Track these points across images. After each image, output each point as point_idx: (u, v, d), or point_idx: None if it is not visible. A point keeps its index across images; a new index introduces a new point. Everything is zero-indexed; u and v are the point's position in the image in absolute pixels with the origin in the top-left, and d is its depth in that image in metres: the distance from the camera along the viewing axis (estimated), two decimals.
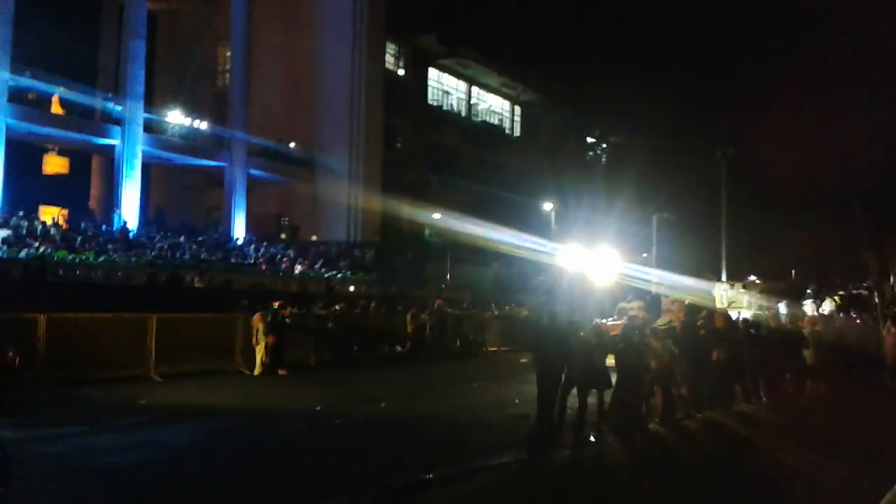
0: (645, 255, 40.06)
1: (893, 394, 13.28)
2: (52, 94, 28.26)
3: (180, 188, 39.57)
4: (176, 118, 32.88)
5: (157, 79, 39.77)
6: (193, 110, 34.77)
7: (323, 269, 31.51)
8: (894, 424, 11.71)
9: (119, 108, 29.66)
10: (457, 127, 48.08)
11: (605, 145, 53.74)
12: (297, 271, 30.32)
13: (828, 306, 25.06)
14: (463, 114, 49.50)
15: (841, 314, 22.57)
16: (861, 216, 44.62)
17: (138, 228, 28.98)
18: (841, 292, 30.46)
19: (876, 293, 16.82)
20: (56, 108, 28.61)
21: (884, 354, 14.10)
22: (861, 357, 14.73)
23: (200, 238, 30.41)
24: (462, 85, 49.18)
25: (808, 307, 25.03)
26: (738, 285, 30.52)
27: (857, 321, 19.50)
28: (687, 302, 22.60)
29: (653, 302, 23.61)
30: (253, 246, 31.82)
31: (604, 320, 13.71)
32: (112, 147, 29.94)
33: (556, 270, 34.95)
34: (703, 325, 13.77)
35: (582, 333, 11.67)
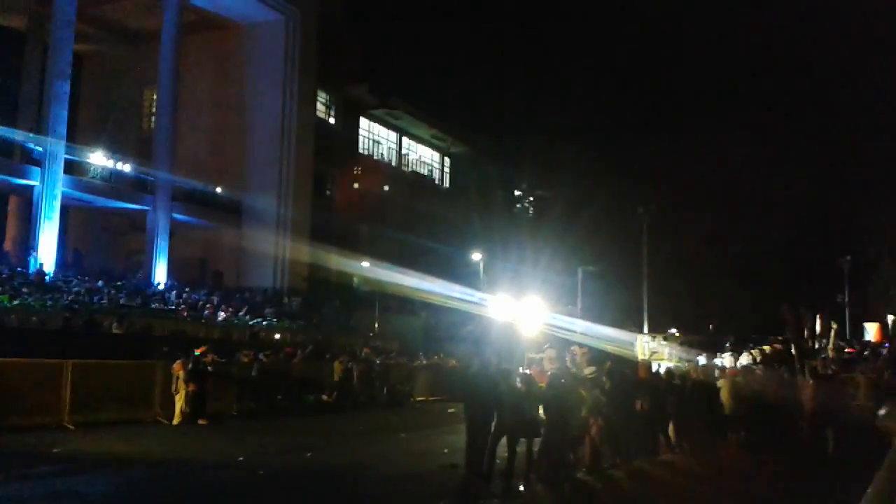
0: (570, 306, 40.69)
1: (810, 443, 13.71)
2: None
3: (101, 231, 38.48)
4: (98, 160, 32.09)
5: (80, 119, 38.91)
6: (117, 152, 34.01)
7: (248, 317, 30.92)
8: (813, 472, 12.07)
9: (39, 148, 28.83)
10: (387, 176, 48.32)
11: (531, 198, 54.91)
12: (220, 318, 29.66)
13: (745, 359, 25.83)
14: (393, 163, 49.82)
15: (759, 366, 23.26)
16: (775, 270, 46.50)
17: (55, 271, 27.98)
18: (761, 346, 31.53)
19: (793, 345, 17.41)
20: None
21: (801, 405, 14.55)
22: (780, 408, 15.15)
23: (120, 282, 29.54)
24: (393, 135, 49.60)
25: (727, 360, 25.74)
26: (659, 337, 31.26)
27: (775, 373, 20.12)
28: (585, 349, 22.98)
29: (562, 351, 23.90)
30: (175, 291, 31.04)
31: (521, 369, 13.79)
32: (31, 188, 29.02)
33: (485, 320, 35.13)
34: (628, 375, 14.01)
35: (512, 382, 11.73)
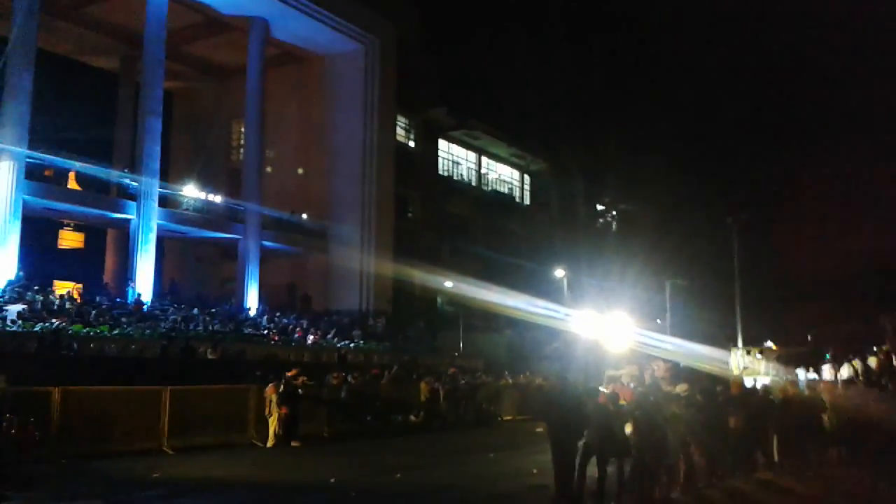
0: (659, 321, 39.84)
1: None
2: (68, 171, 28.74)
3: (194, 260, 39.87)
4: (190, 192, 33.33)
5: (172, 154, 40.53)
6: (208, 184, 35.24)
7: (335, 339, 31.43)
8: None
9: (135, 183, 30.12)
10: (467, 196, 48.56)
11: (614, 212, 54.10)
12: (309, 341, 30.26)
13: (846, 371, 24.70)
14: (473, 183, 50.01)
15: (860, 379, 22.21)
16: (876, 278, 44.39)
17: (152, 301, 29.07)
18: (860, 357, 30.08)
19: (894, 357, 16.54)
20: (73, 184, 29.08)
21: None
22: (881, 423, 14.44)
23: (213, 310, 30.47)
24: (472, 155, 49.83)
25: (827, 372, 24.67)
26: (754, 351, 30.20)
27: (877, 386, 19.21)
28: (669, 364, 22.36)
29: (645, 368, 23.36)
30: (266, 316, 31.85)
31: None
32: (127, 221, 30.26)
33: (570, 336, 34.74)
34: (721, 392, 13.61)
35: (600, 400, 11.54)
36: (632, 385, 12.49)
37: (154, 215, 30.24)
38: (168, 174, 36.41)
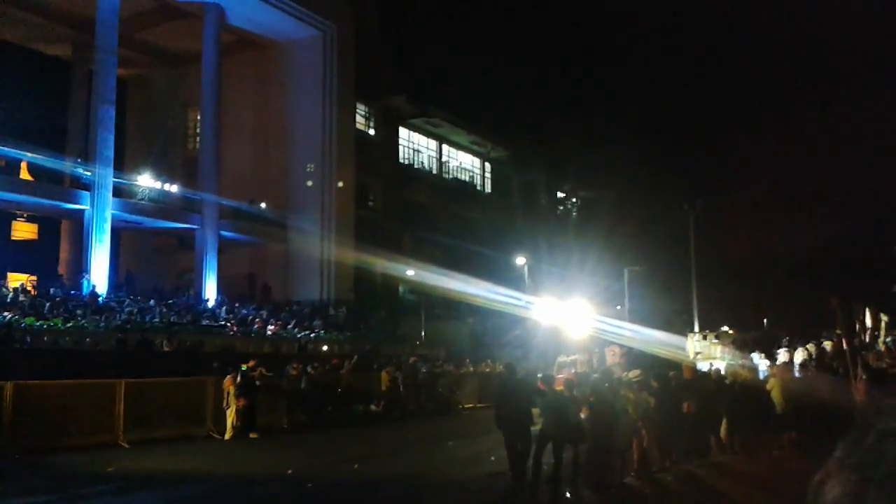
0: (619, 307, 40.27)
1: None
2: (20, 160, 28.13)
3: (151, 251, 39.32)
4: (146, 182, 32.80)
5: (127, 143, 39.84)
6: (164, 174, 34.72)
7: (296, 329, 31.28)
8: None
9: (88, 173, 29.57)
10: (428, 184, 48.51)
11: (575, 199, 54.55)
12: (269, 332, 30.06)
13: (800, 355, 25.25)
14: (434, 171, 49.99)
15: (813, 363, 22.74)
16: (828, 262, 45.32)
17: (108, 293, 28.63)
18: (815, 342, 30.76)
19: (845, 340, 16.93)
20: (25, 175, 28.47)
21: (854, 403, 14.15)
22: (833, 406, 14.78)
23: (170, 301, 30.11)
24: (433, 143, 49.79)
25: (783, 356, 25.18)
26: (710, 336, 30.69)
27: (829, 371, 19.64)
28: (624, 350, 22.81)
29: (601, 354, 23.73)
30: (224, 307, 31.57)
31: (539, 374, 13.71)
32: (81, 212, 29.73)
33: (531, 324, 35.00)
34: (674, 377, 13.84)
35: (556, 387, 11.68)
36: (573, 371, 12.67)
37: (108, 205, 29.75)
38: (123, 163, 35.81)
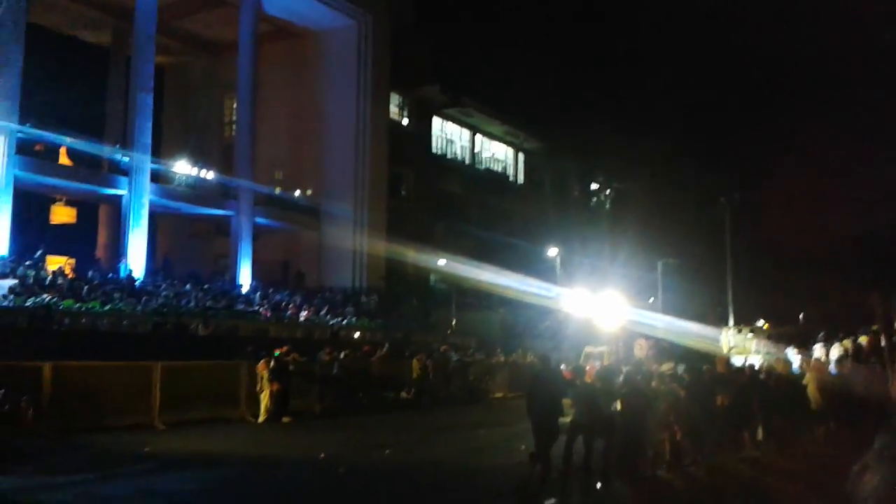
0: (651, 300, 40.01)
1: None
2: (60, 146, 28.58)
3: (187, 237, 39.79)
4: (183, 168, 33.21)
5: (164, 129, 40.32)
6: (200, 160, 35.14)
7: (328, 316, 31.51)
8: None
9: (126, 158, 29.99)
10: (461, 174, 48.45)
11: (608, 191, 54.08)
12: (302, 318, 30.33)
13: (836, 351, 24.87)
14: (467, 161, 49.90)
15: (850, 359, 22.38)
16: (867, 257, 44.53)
17: (144, 277, 29.07)
18: (851, 337, 30.27)
19: (883, 336, 16.64)
20: (64, 160, 28.92)
21: (891, 399, 13.94)
22: (869, 402, 14.58)
23: (206, 286, 30.48)
24: (466, 133, 49.69)
25: (818, 351, 24.83)
26: (745, 329, 30.39)
27: (866, 366, 19.34)
28: (652, 342, 22.63)
29: (627, 346, 23.57)
30: (259, 293, 31.89)
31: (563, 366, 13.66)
32: (119, 197, 30.19)
33: (563, 315, 34.88)
34: (707, 370, 13.74)
35: (587, 379, 11.65)
36: (599, 363, 12.62)
37: (146, 191, 30.16)
38: (160, 150, 36.23)
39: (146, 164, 30.22)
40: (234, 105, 38.57)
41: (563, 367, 12.69)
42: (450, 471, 11.77)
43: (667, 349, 22.66)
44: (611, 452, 11.19)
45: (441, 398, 23.11)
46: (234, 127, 39.18)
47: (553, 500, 9.50)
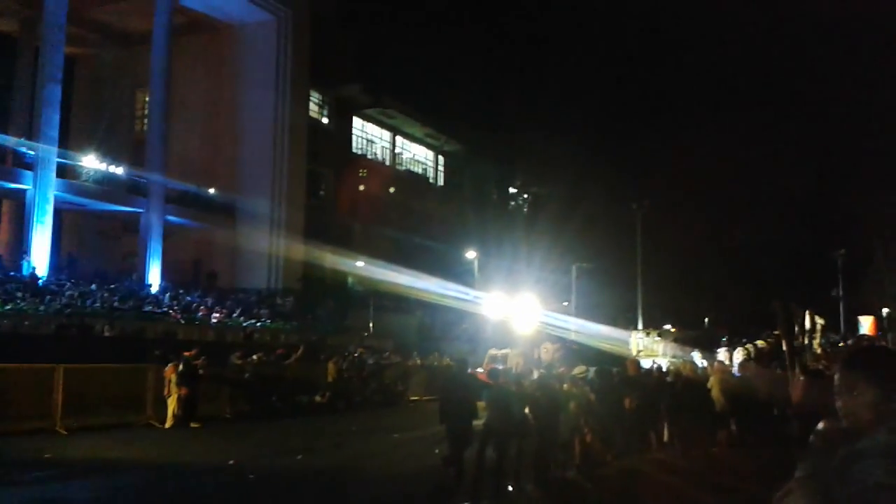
0: (565, 303, 40.75)
1: (798, 440, 13.72)
2: None
3: (94, 234, 38.41)
4: (91, 163, 32.05)
5: (72, 122, 38.85)
6: (110, 155, 33.97)
7: (242, 318, 30.91)
8: (793, 469, 12.06)
9: (32, 152, 28.78)
10: (381, 175, 48.30)
11: (526, 195, 54.91)
12: (213, 320, 29.65)
13: (740, 355, 25.88)
14: (387, 163, 49.81)
15: (752, 362, 23.30)
16: (771, 265, 46.56)
17: (48, 276, 27.93)
18: (756, 341, 31.58)
19: (784, 341, 17.41)
20: None
21: (792, 402, 14.56)
22: (771, 404, 15.19)
23: (113, 285, 29.49)
24: (386, 134, 49.59)
25: (722, 355, 25.79)
26: (653, 333, 31.29)
27: (768, 369, 20.16)
28: (558, 346, 23.20)
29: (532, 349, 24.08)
30: (168, 294, 31.03)
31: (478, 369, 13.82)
32: (23, 192, 28.97)
33: (480, 318, 35.19)
34: (617, 373, 14.07)
35: (501, 381, 11.76)
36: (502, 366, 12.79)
37: (52, 186, 29.02)
38: (68, 143, 34.91)
39: (52, 158, 29.08)
40: (147, 99, 37.46)
41: (479, 370, 12.78)
42: (363, 476, 11.68)
43: (577, 352, 23.13)
44: (524, 455, 11.32)
45: (356, 402, 22.97)
46: (146, 121, 38.04)
47: None
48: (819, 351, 23.55)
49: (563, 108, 61.00)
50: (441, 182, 54.99)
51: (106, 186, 32.33)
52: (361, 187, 45.62)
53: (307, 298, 37.24)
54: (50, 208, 28.89)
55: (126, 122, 40.74)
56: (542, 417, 11.47)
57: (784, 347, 17.46)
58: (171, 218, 34.12)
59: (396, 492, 10.46)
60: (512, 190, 57.08)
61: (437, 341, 36.63)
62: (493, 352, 23.07)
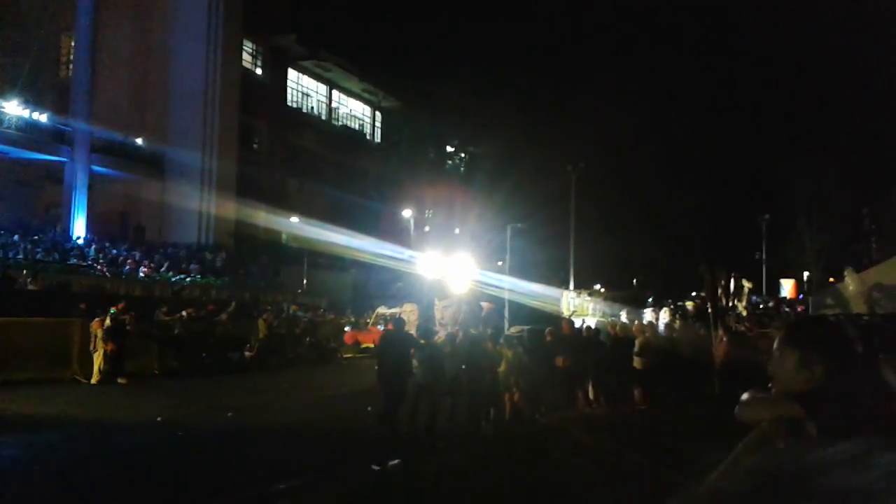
0: (500, 262, 41.10)
1: (720, 398, 14.22)
2: None
3: (16, 183, 36.91)
4: (13, 109, 30.68)
5: None
6: (33, 101, 32.57)
7: (170, 273, 30.29)
8: (715, 426, 12.55)
9: None
10: (317, 130, 47.56)
11: (463, 155, 54.86)
12: (141, 274, 28.99)
13: (665, 315, 26.61)
14: (323, 117, 49.03)
15: (677, 322, 23.99)
16: (697, 228, 47.80)
17: None
18: (680, 302, 32.52)
19: (709, 303, 17.98)
20: None
21: (714, 361, 15.07)
22: (694, 364, 15.68)
23: (36, 237, 28.52)
24: (322, 88, 48.73)
25: (648, 315, 26.47)
26: (584, 293, 31.88)
27: (692, 328, 20.81)
28: (491, 305, 23.77)
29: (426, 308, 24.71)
30: (94, 246, 30.16)
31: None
32: None
33: (415, 277, 35.24)
34: (550, 332, 14.31)
35: (436, 340, 11.87)
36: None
37: None
38: None
39: None
40: (73, 43, 35.91)
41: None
42: (294, 434, 11.68)
43: (501, 314, 23.49)
44: (456, 413, 11.49)
45: (289, 359, 22.87)
46: (71, 67, 36.52)
47: (397, 461, 9.61)
48: (744, 313, 24.39)
49: (500, 69, 60.89)
50: (378, 139, 54.46)
51: (28, 133, 31.08)
52: (296, 142, 44.88)
53: (239, 254, 36.70)
54: None
55: (51, 68, 39.01)
56: (472, 375, 11.65)
57: (709, 309, 18.08)
58: (96, 168, 33.03)
59: (328, 450, 10.49)
60: (449, 149, 56.93)
61: (372, 299, 36.61)
62: (382, 310, 23.20)
